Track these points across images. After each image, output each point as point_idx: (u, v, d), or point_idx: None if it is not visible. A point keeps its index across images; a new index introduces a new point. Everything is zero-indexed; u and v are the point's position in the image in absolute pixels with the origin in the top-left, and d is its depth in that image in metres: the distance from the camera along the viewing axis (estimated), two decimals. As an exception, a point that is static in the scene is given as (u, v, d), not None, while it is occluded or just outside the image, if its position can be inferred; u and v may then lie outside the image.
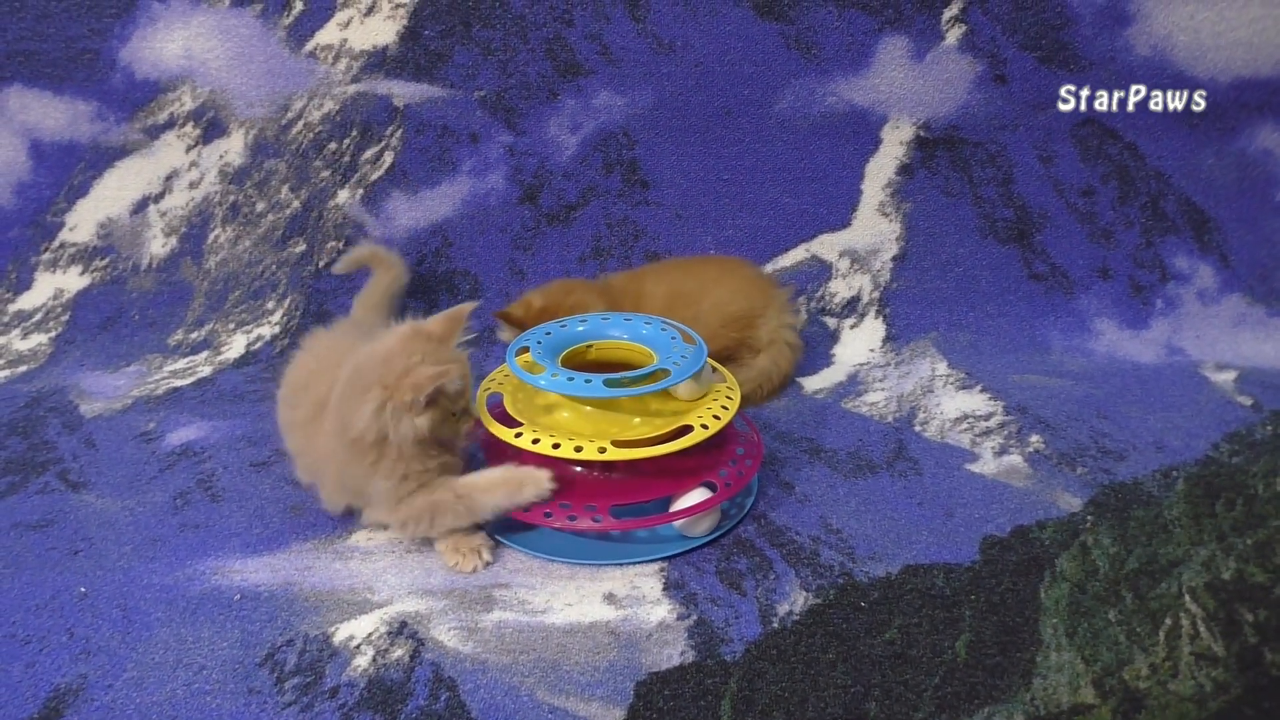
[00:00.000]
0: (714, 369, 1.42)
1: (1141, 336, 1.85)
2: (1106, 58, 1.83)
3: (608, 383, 1.19)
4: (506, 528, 1.29)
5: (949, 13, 1.83)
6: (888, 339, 1.84)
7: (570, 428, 1.25)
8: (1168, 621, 1.15)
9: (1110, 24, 1.82)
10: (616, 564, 1.25)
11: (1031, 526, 1.31)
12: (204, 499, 1.43)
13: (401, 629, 1.15)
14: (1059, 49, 1.84)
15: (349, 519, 1.36)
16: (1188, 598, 1.18)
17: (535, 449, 1.18)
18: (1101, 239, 1.89)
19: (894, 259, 1.89)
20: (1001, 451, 1.50)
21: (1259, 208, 1.89)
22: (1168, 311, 1.87)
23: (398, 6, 1.85)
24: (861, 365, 1.80)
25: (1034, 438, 1.53)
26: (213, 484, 1.46)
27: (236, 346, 1.88)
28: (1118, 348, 1.83)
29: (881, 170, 1.90)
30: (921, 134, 1.88)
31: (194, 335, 1.90)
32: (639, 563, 1.25)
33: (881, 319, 1.86)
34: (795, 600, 1.19)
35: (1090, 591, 1.20)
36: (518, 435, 1.20)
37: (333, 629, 1.15)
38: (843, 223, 1.90)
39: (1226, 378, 1.74)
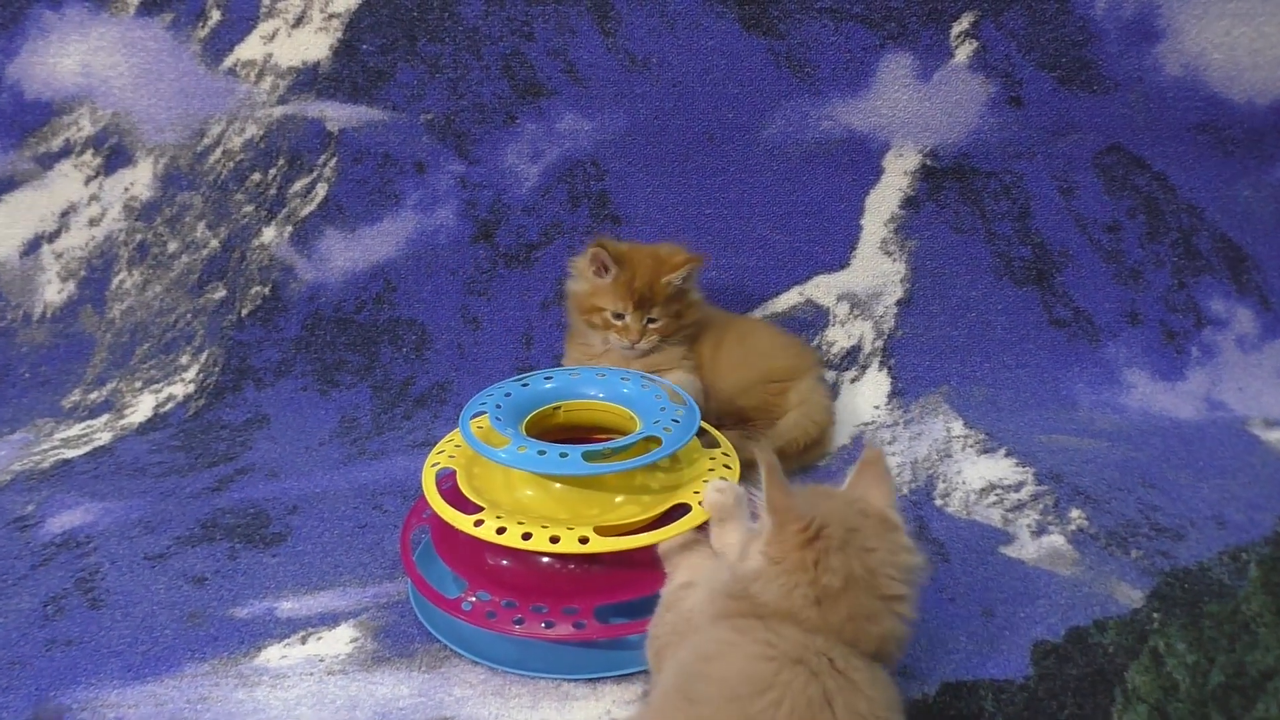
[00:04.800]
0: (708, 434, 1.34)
1: (1177, 389, 1.75)
2: (1133, 78, 1.75)
3: (588, 456, 1.08)
4: (456, 633, 1.14)
5: (959, 27, 1.75)
6: (894, 394, 1.74)
7: (540, 510, 1.13)
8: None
9: (1137, 40, 1.74)
10: (600, 677, 1.10)
11: (1089, 628, 1.19)
12: (82, 605, 1.23)
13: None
14: (1080, 68, 1.75)
15: (256, 630, 1.16)
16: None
17: (500, 540, 1.04)
18: (1129, 280, 1.80)
19: (899, 303, 1.80)
20: (1040, 530, 1.38)
21: (1301, 244, 1.81)
22: (1205, 360, 1.78)
23: (331, 17, 1.77)
24: (867, 425, 1.68)
25: (1075, 513, 1.42)
26: (95, 584, 1.27)
27: (143, 409, 1.73)
28: (1152, 402, 1.73)
29: (884, 203, 1.81)
30: (928, 163, 1.79)
31: (93, 396, 1.76)
32: (629, 675, 1.10)
33: (886, 371, 1.76)
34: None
35: (1174, 716, 1.07)
36: (478, 524, 1.07)
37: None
38: (841, 263, 1.81)
39: (1279, 437, 1.62)
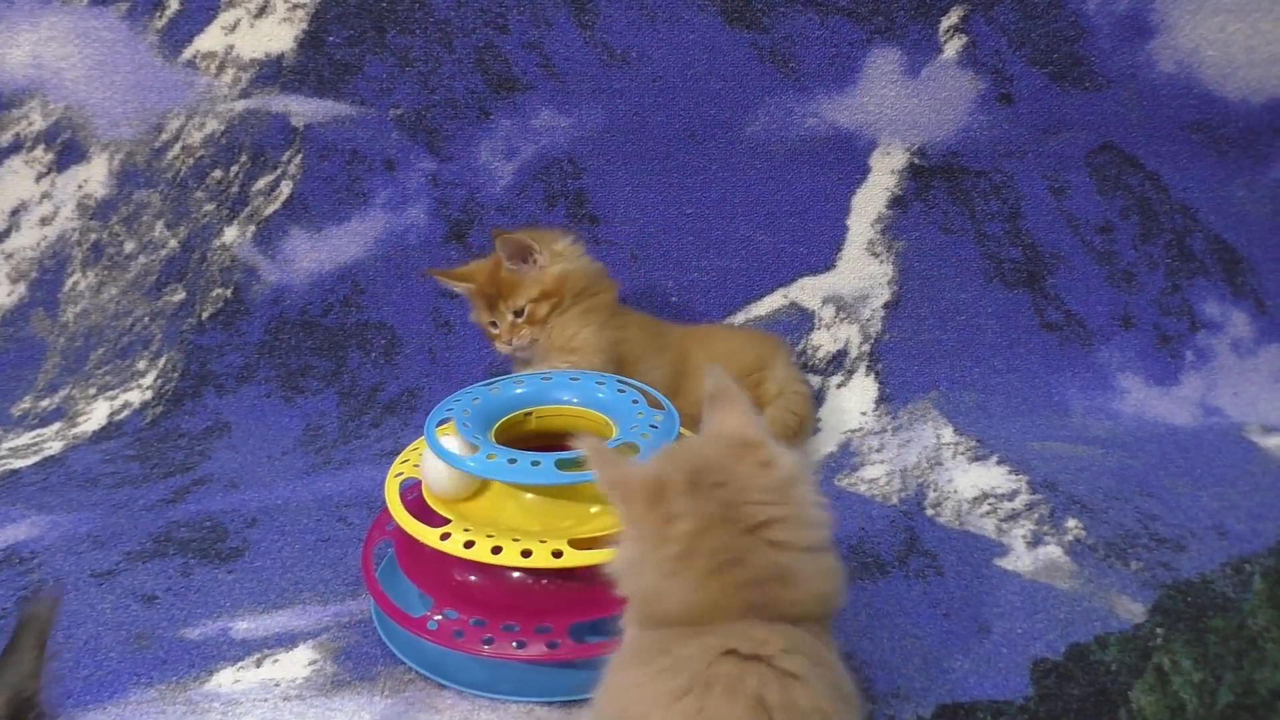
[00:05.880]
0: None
1: (1172, 394, 1.74)
2: (1126, 75, 1.74)
3: (560, 465, 1.05)
4: (421, 654, 1.10)
5: (947, 22, 1.74)
6: (881, 400, 1.72)
7: (511, 522, 1.09)
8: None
9: (1130, 36, 1.72)
10: (575, 700, 1.07)
11: (1090, 645, 1.16)
12: (22, 627, 1.15)
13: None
14: (1072, 65, 1.74)
15: (208, 652, 1.12)
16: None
17: (468, 554, 1.01)
18: (1122, 282, 1.79)
19: (886, 306, 1.79)
20: (1035, 541, 1.36)
21: (1297, 246, 1.81)
22: (1200, 365, 1.76)
23: (296, 7, 1.74)
24: (854, 432, 1.66)
25: (1071, 522, 1.40)
26: (36, 604, 1.19)
27: (97, 416, 1.69)
28: (1146, 408, 1.72)
29: (870, 203, 1.80)
30: (916, 161, 1.78)
31: (45, 403, 1.71)
32: None
33: (873, 376, 1.75)
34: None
35: (1182, 738, 1.04)
36: (444, 537, 1.03)
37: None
38: (826, 264, 1.80)
39: (1278, 443, 1.61)
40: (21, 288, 1.78)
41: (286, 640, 1.13)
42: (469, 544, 1.01)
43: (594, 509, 1.11)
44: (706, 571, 0.69)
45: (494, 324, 1.47)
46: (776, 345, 1.65)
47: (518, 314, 1.45)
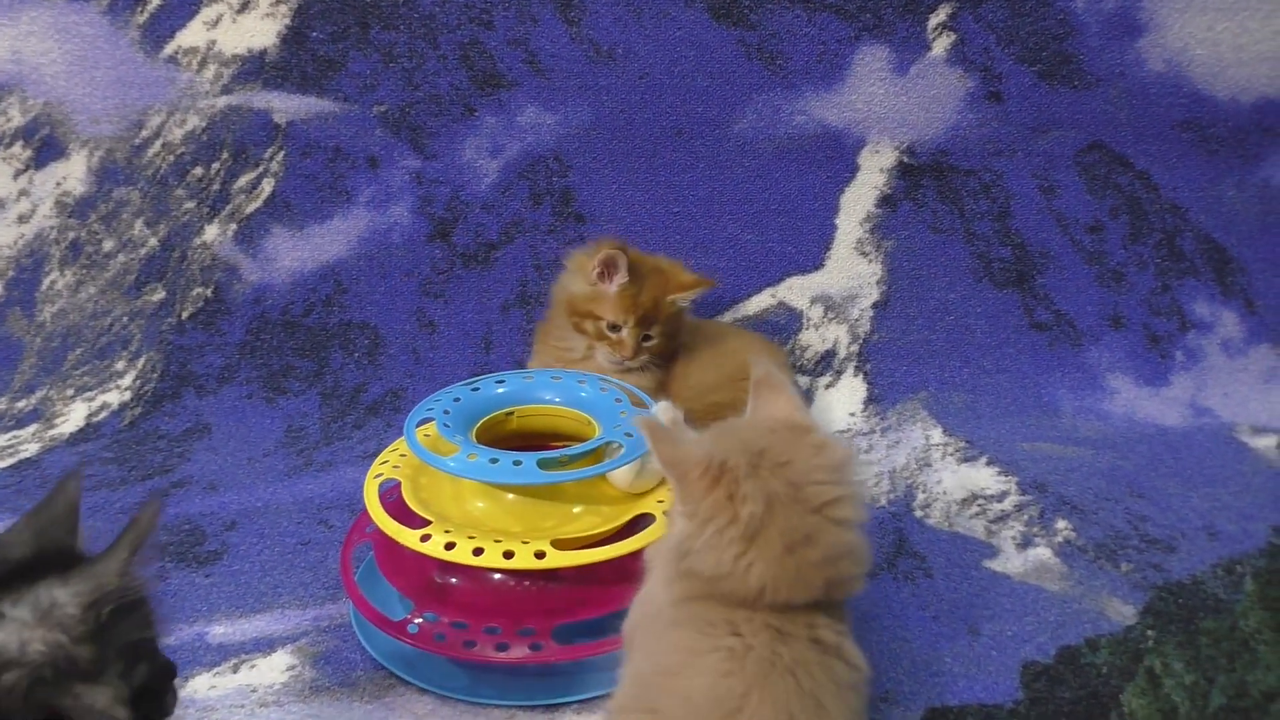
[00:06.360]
0: None
1: (1162, 395, 1.73)
2: (1115, 73, 1.73)
3: (543, 464, 1.05)
4: (402, 658, 1.09)
5: (936, 19, 1.72)
6: (870, 400, 1.72)
7: (493, 524, 1.09)
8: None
9: (1119, 35, 1.71)
10: (559, 704, 1.07)
11: (1081, 647, 1.16)
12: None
13: None
14: (1061, 62, 1.73)
15: (183, 657, 1.10)
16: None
17: (449, 556, 1.00)
18: (1112, 282, 1.78)
19: (874, 306, 1.78)
20: (1025, 543, 1.36)
21: (1287, 246, 1.80)
22: (1189, 365, 1.76)
23: (279, 2, 1.72)
24: (842, 433, 1.65)
25: (1061, 524, 1.40)
26: (7, 611, 1.16)
27: (74, 418, 1.66)
28: (1136, 408, 1.71)
29: (859, 202, 1.79)
30: (905, 160, 1.77)
31: (21, 404, 1.68)
32: (590, 700, 1.07)
33: (862, 377, 1.74)
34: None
35: (1174, 741, 1.04)
36: (425, 538, 1.03)
37: None
38: (814, 264, 1.79)
39: (1267, 444, 1.61)
40: (-2, 286, 1.77)
41: (264, 645, 1.12)
42: (450, 545, 1.01)
43: (577, 509, 1.11)
44: (782, 551, 0.72)
45: (614, 328, 1.39)
46: (780, 358, 1.63)
47: (648, 337, 1.41)
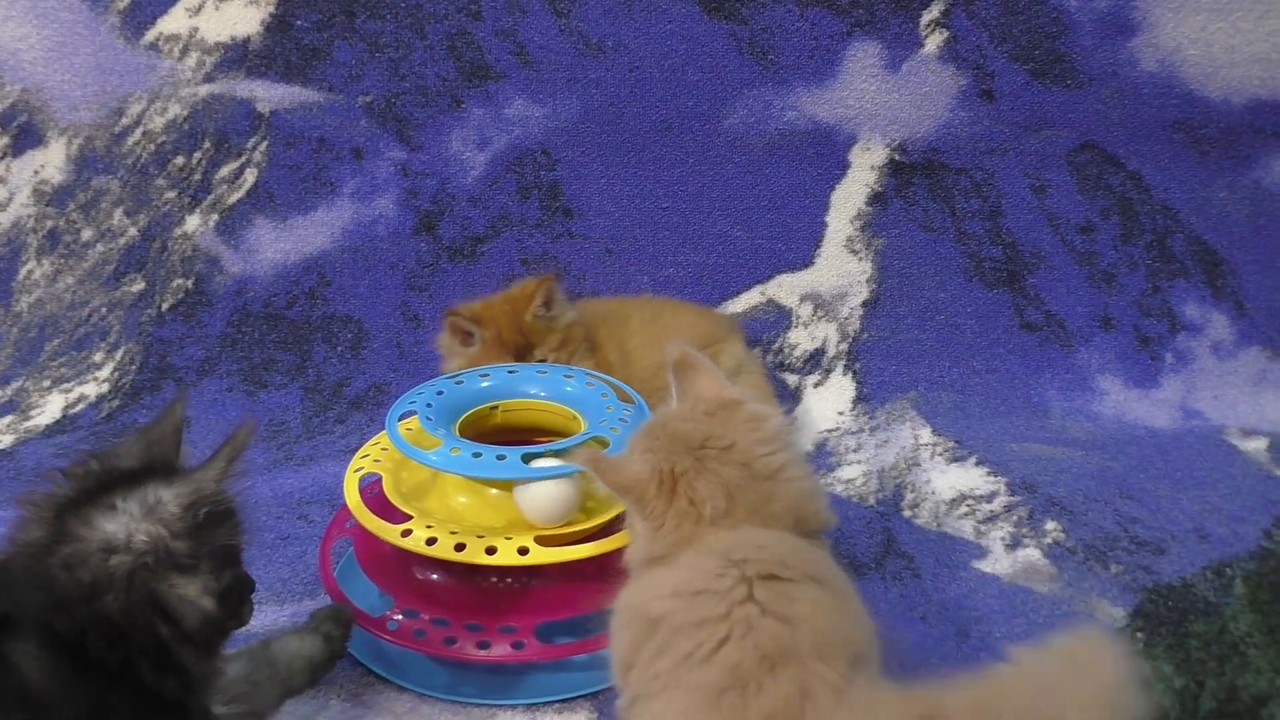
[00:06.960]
0: None
1: (1152, 396, 1.73)
2: (1108, 72, 1.73)
3: (527, 458, 1.04)
4: (381, 655, 1.09)
5: (928, 15, 1.73)
6: (859, 400, 1.72)
7: (475, 519, 1.09)
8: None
9: (1112, 34, 1.72)
10: (540, 703, 1.06)
11: None
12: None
13: None
14: (1054, 61, 1.73)
15: None
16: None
17: (431, 551, 1.00)
18: (1102, 282, 1.79)
19: (864, 304, 1.79)
20: (1014, 544, 1.36)
21: (1277, 248, 1.79)
22: (1179, 367, 1.76)
23: None
24: (830, 432, 1.65)
25: (1050, 525, 1.40)
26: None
27: (50, 409, 1.66)
28: (1126, 410, 1.72)
29: (850, 199, 1.79)
30: (896, 157, 1.78)
31: None
32: (571, 700, 1.07)
33: (851, 376, 1.74)
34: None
35: (1163, 745, 1.04)
36: (405, 533, 1.03)
37: None
38: (804, 261, 1.80)
39: (1257, 446, 1.61)
40: (-26, 276, 1.75)
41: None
42: (431, 540, 1.01)
43: (562, 505, 1.09)
44: (745, 515, 0.80)
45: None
46: (728, 322, 1.64)
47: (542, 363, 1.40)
